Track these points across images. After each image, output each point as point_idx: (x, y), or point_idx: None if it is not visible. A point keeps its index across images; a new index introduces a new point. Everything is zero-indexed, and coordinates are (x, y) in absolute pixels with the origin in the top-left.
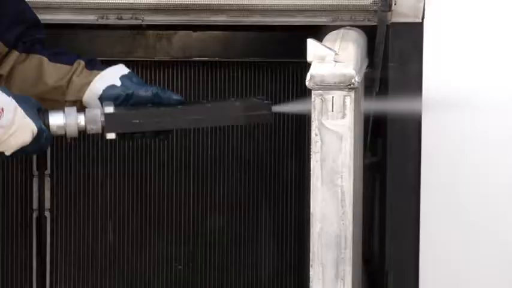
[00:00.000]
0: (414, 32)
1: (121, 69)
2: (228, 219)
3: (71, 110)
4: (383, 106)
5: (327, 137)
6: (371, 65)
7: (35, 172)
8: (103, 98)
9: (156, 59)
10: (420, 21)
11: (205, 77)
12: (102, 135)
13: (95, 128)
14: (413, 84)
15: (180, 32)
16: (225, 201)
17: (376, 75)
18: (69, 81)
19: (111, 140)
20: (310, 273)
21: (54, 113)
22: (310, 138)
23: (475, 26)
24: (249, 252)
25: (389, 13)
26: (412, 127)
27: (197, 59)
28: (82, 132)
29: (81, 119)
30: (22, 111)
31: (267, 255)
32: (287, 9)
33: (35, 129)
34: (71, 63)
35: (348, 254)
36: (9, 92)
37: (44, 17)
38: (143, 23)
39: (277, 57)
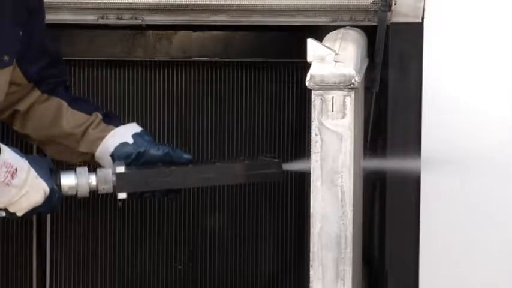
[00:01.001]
0: (414, 32)
1: (134, 127)
2: (228, 219)
3: (82, 170)
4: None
5: (326, 137)
6: (371, 65)
7: None
8: (115, 155)
9: (156, 59)
10: (420, 21)
11: (205, 77)
12: (114, 194)
13: (106, 187)
14: (413, 84)
15: (180, 32)
16: (225, 201)
17: (376, 75)
18: (85, 131)
19: None
20: (310, 273)
21: (65, 173)
22: (310, 138)
23: (475, 26)
24: (249, 253)
25: (389, 13)
26: (412, 126)
27: (197, 59)
28: (93, 192)
29: (93, 179)
30: (34, 171)
31: (267, 255)
32: (287, 9)
33: (47, 190)
34: (90, 113)
35: (348, 254)
36: (21, 153)
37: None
38: (143, 23)
39: (277, 57)
